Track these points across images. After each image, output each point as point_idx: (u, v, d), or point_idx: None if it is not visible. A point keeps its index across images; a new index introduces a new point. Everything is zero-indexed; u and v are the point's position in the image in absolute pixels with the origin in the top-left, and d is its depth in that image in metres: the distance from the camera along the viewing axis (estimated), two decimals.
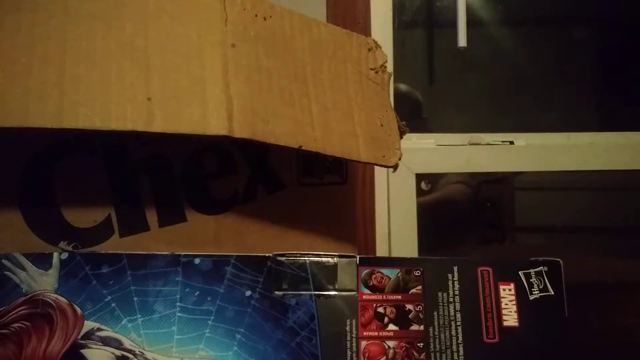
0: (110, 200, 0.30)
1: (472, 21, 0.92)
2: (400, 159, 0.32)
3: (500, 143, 0.85)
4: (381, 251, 0.79)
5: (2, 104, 0.24)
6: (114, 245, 0.30)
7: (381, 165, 0.32)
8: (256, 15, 0.30)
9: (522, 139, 0.85)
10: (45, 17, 0.26)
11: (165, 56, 0.27)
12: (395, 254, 0.80)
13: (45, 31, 0.25)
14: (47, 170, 0.29)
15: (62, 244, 0.25)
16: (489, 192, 0.93)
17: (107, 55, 0.26)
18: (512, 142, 0.85)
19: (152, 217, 0.31)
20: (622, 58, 0.94)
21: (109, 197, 0.30)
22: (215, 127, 0.27)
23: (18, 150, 0.29)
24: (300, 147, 0.29)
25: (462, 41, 0.87)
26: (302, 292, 0.24)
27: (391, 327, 0.23)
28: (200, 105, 0.27)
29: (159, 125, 0.26)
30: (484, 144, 0.85)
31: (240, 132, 0.27)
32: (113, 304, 0.24)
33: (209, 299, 0.24)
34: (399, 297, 0.23)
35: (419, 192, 0.83)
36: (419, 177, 0.83)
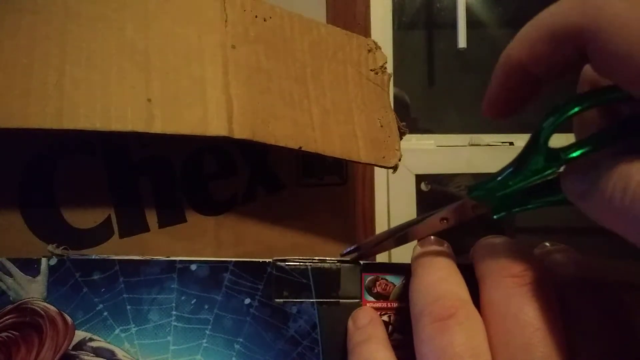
0: (110, 201, 0.30)
1: (472, 22, 0.92)
2: (400, 160, 0.32)
3: (500, 144, 0.85)
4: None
5: (3, 104, 0.24)
6: (114, 246, 0.30)
7: (381, 166, 0.32)
8: (256, 17, 0.30)
9: (522, 140, 0.84)
10: (45, 18, 0.26)
11: (166, 57, 0.27)
12: (395, 255, 0.80)
13: (46, 32, 0.25)
14: (47, 171, 0.29)
15: (51, 247, 0.24)
16: None
17: (107, 56, 0.26)
18: (512, 143, 0.85)
19: (152, 217, 0.31)
20: None
21: (108, 198, 0.30)
22: (215, 128, 0.27)
23: (18, 151, 0.29)
24: (300, 148, 0.29)
25: (461, 42, 0.87)
26: (303, 300, 0.23)
27: (396, 335, 0.23)
28: (200, 106, 0.27)
29: (159, 126, 0.26)
30: (484, 145, 0.85)
31: (240, 133, 0.27)
32: (105, 313, 0.23)
33: (206, 307, 0.23)
34: (404, 304, 0.22)
35: (419, 193, 0.83)
36: (419, 178, 0.83)
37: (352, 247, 0.24)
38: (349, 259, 0.24)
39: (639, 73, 0.13)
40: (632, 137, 0.15)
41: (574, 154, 0.16)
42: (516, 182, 0.18)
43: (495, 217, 0.19)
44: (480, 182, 0.19)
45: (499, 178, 0.18)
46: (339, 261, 0.24)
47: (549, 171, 0.17)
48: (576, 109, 0.16)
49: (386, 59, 0.34)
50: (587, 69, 0.18)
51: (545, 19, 0.16)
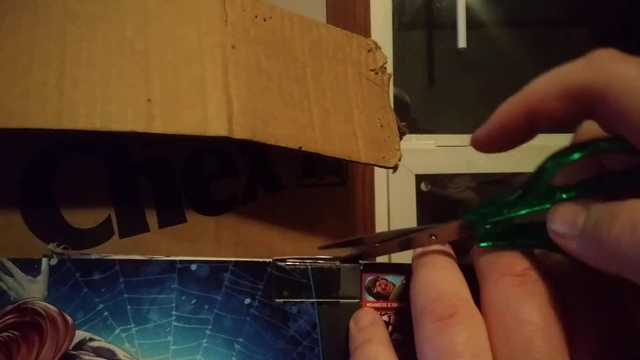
0: (110, 201, 0.30)
1: (472, 22, 0.92)
2: (400, 160, 0.32)
3: None
4: None
5: (2, 104, 0.24)
6: (114, 246, 0.30)
7: (381, 166, 0.32)
8: (256, 17, 0.30)
9: None
10: (45, 18, 0.26)
11: (166, 57, 0.27)
12: (395, 256, 0.80)
13: (46, 32, 0.25)
14: (47, 172, 0.29)
15: (52, 246, 0.24)
16: (489, 193, 0.93)
17: (107, 56, 0.26)
18: None
19: (152, 217, 0.31)
20: None
21: (108, 198, 0.30)
22: (215, 128, 0.27)
23: (18, 152, 0.29)
24: (300, 148, 0.29)
25: (461, 42, 0.87)
26: (303, 300, 0.23)
27: (396, 335, 0.23)
28: (200, 106, 0.27)
29: (159, 126, 0.26)
30: None
31: (240, 133, 0.27)
32: (105, 313, 0.23)
33: (206, 307, 0.23)
34: (404, 304, 0.22)
35: (419, 193, 0.83)
36: (419, 178, 0.83)
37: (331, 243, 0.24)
38: (327, 256, 0.24)
39: None
40: (634, 185, 0.17)
41: (570, 195, 0.18)
42: (511, 212, 0.19)
43: (480, 245, 0.20)
44: (476, 205, 0.20)
45: (496, 204, 0.19)
46: (338, 261, 0.24)
47: (545, 207, 0.18)
48: (579, 155, 0.18)
49: (386, 59, 0.34)
50: (587, 123, 0.19)
51: (558, 76, 0.18)
